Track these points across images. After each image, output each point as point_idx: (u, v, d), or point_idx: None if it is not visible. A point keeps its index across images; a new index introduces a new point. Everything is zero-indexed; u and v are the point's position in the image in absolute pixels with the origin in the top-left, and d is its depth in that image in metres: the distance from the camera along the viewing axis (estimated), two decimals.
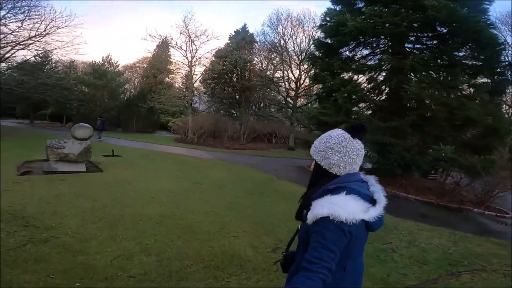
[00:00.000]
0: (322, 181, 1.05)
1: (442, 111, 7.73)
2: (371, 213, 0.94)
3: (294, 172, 10.86)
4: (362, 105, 10.59)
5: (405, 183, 8.32)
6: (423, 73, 8.83)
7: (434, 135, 8.55)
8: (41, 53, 24.17)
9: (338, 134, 1.05)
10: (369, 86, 10.28)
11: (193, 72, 19.64)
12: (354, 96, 9.46)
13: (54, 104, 26.16)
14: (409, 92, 7.91)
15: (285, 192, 6.61)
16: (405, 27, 8.42)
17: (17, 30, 15.07)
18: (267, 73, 21.19)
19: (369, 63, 10.53)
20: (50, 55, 24.92)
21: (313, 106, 10.46)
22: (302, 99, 22.76)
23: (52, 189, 4.99)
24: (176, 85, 37.94)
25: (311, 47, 15.46)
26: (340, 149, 1.02)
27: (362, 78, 10.66)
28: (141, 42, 41.45)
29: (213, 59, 19.80)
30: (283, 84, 21.20)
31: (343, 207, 0.91)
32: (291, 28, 19.63)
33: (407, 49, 9.68)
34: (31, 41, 15.69)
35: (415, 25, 8.65)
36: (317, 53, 11.72)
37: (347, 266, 1.01)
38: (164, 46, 38.79)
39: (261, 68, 20.67)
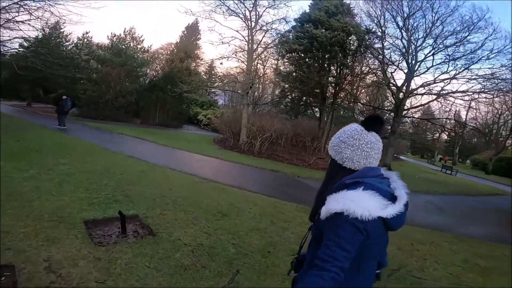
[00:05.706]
0: (337, 177, 0.98)
1: None
2: (389, 211, 0.87)
3: None
4: None
5: None
6: None
7: None
8: (51, 24, 18.55)
9: (351, 128, 1.01)
10: None
11: (253, 45, 12.69)
12: None
13: (59, 85, 20.63)
14: None
15: None
16: None
17: None
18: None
19: None
20: (62, 27, 19.33)
21: None
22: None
23: None
24: (202, 72, 31.27)
25: None
26: (353, 143, 0.97)
27: None
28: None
29: (293, 26, 12.66)
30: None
31: (359, 203, 0.84)
32: None
33: None
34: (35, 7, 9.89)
35: None
36: None
37: (361, 266, 0.93)
38: (193, 29, 32.61)
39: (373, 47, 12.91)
